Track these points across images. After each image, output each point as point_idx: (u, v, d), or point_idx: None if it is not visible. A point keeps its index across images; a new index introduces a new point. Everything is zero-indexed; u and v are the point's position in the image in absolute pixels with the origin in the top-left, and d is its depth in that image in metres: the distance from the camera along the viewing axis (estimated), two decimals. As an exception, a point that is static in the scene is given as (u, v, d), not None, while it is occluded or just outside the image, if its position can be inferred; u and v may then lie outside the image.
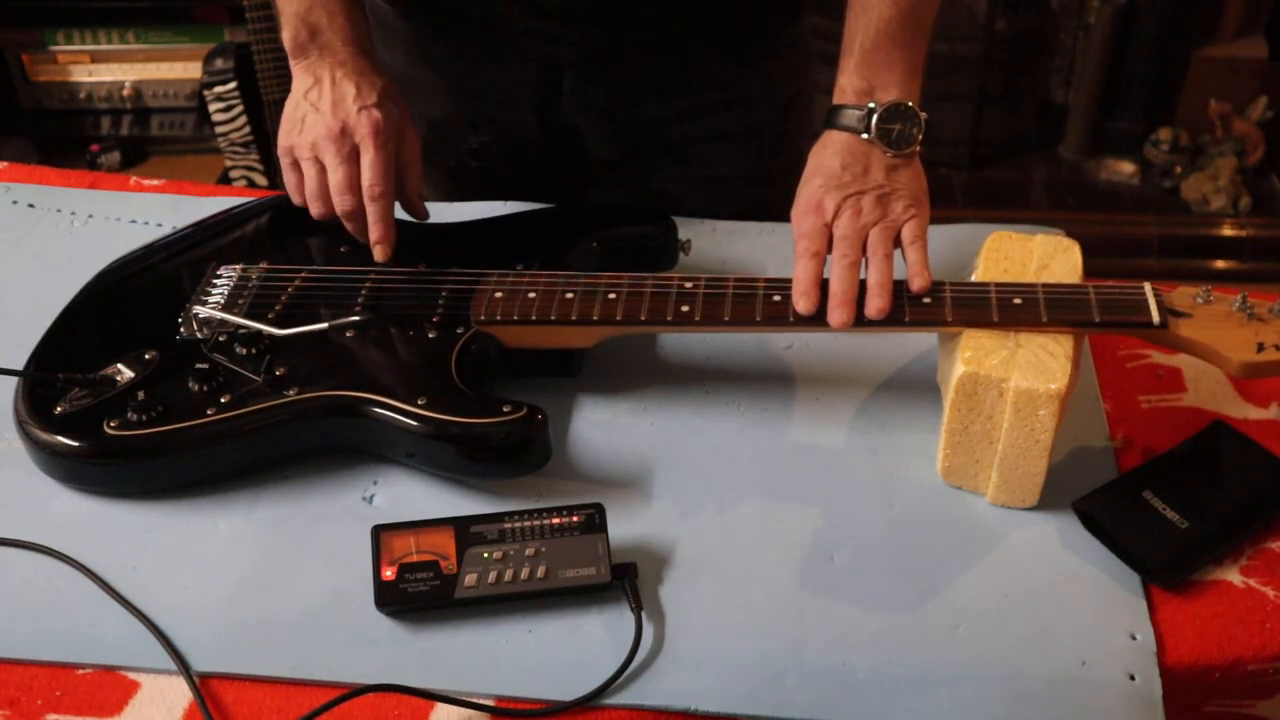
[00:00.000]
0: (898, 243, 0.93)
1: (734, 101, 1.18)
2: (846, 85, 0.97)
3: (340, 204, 0.97)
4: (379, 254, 0.96)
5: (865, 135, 0.95)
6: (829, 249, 0.92)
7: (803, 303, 0.89)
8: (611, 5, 1.10)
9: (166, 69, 2.72)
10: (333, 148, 0.97)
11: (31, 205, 1.21)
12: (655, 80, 1.16)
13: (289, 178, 1.01)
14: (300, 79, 1.02)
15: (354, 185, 0.97)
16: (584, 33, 1.11)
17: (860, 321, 0.88)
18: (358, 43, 1.03)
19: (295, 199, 1.01)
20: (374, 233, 0.96)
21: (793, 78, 1.22)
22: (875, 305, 0.88)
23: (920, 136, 0.96)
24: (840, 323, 0.88)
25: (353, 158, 0.97)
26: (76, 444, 0.88)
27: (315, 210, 0.99)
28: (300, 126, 0.99)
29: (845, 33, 0.98)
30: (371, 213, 0.96)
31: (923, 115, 0.96)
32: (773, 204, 1.24)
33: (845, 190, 0.94)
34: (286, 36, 1.03)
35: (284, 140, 1.01)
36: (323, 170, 0.98)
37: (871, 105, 0.95)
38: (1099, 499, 0.86)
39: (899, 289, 0.90)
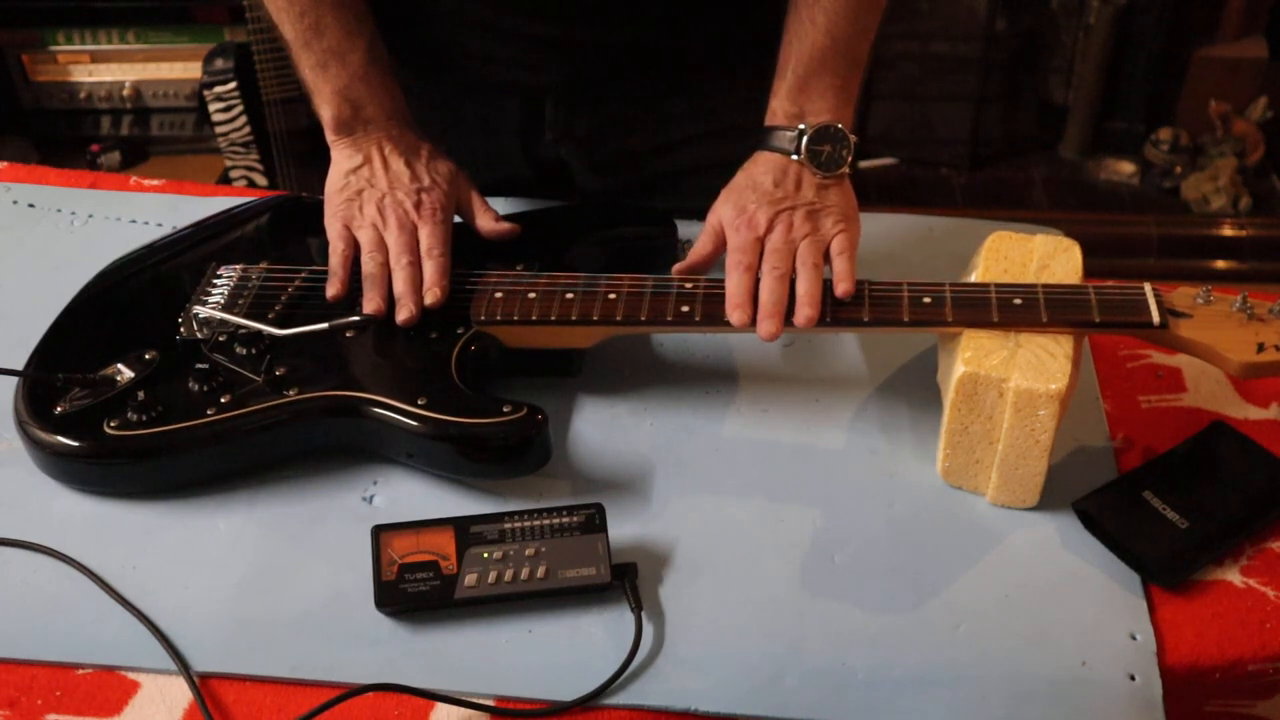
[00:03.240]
0: (827, 257, 0.94)
1: (722, 131, 1.15)
2: (778, 109, 0.99)
3: (397, 259, 0.95)
4: (429, 298, 0.94)
5: (795, 156, 0.96)
6: (760, 262, 0.93)
7: (737, 315, 0.90)
8: (592, 32, 1.08)
9: (166, 69, 2.72)
10: (395, 220, 0.97)
11: (31, 205, 1.21)
12: (640, 109, 1.15)
13: (339, 248, 0.98)
14: (345, 155, 1.02)
15: (412, 248, 0.96)
16: (564, 60, 1.10)
17: (824, 322, 0.89)
18: (398, 114, 1.03)
19: (340, 271, 0.97)
20: (429, 280, 0.95)
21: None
22: (804, 314, 0.89)
23: (850, 158, 0.97)
24: (769, 334, 0.89)
25: (414, 230, 0.98)
26: (76, 444, 0.88)
27: (371, 264, 0.96)
28: (358, 200, 0.99)
29: (780, 58, 0.99)
30: (428, 267, 0.95)
31: (852, 138, 0.97)
32: None
33: (777, 206, 0.95)
34: (327, 115, 1.02)
35: (340, 212, 0.99)
36: (381, 239, 0.97)
37: (802, 127, 0.97)
38: (1099, 499, 0.86)
39: (897, 288, 0.90)
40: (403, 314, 0.93)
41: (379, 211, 0.98)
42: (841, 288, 0.90)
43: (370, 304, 0.94)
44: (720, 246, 0.96)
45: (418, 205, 0.98)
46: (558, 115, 1.14)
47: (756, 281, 0.91)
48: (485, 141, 1.18)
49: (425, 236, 0.97)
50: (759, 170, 0.98)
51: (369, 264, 0.96)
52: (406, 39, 1.11)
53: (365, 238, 0.98)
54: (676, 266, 0.96)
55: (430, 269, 0.95)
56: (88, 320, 0.99)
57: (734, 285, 0.91)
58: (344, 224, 0.99)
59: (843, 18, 0.96)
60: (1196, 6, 2.72)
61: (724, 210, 0.97)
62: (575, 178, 1.21)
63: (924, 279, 0.91)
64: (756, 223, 0.94)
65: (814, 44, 0.97)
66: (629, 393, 0.98)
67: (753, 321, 0.89)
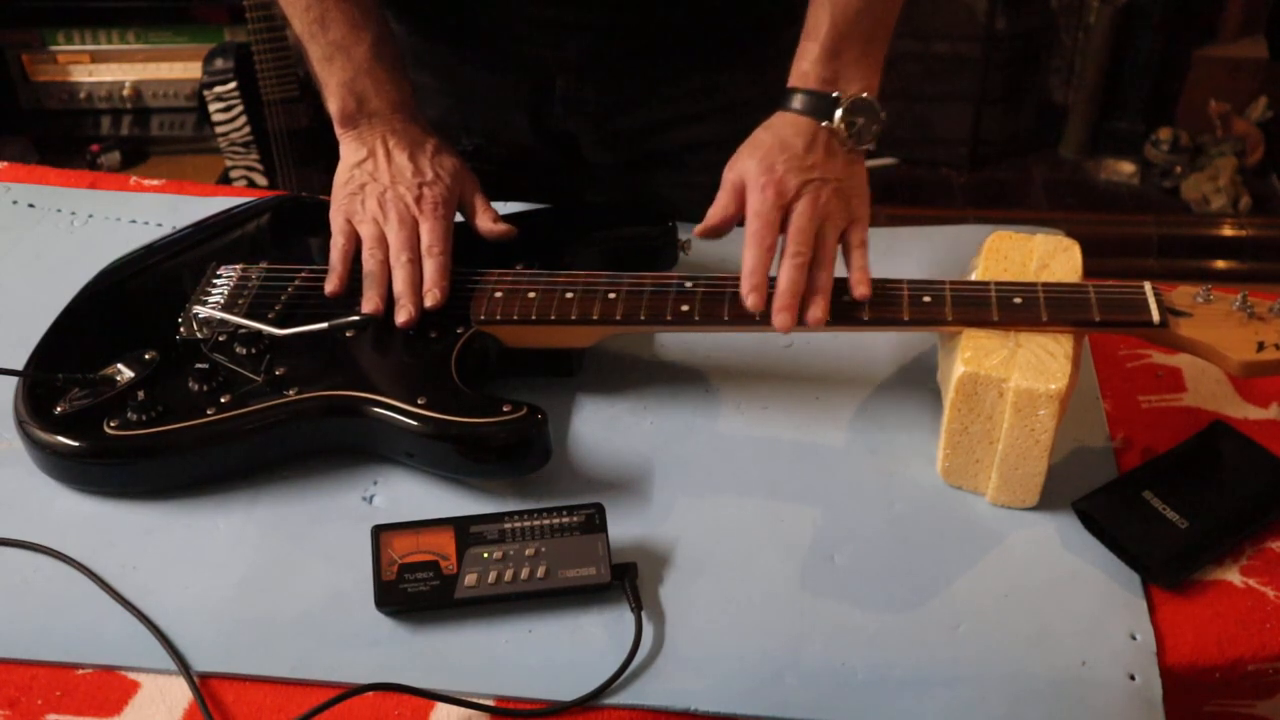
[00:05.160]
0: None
1: (729, 107, 1.18)
2: (810, 71, 0.96)
3: (397, 257, 0.95)
4: (429, 300, 0.94)
5: (826, 122, 0.94)
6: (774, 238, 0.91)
7: (752, 298, 0.88)
8: (603, 13, 1.09)
9: (166, 69, 2.73)
10: (395, 215, 0.97)
11: (31, 205, 1.21)
12: (648, 86, 1.16)
13: (340, 242, 0.98)
14: (351, 149, 1.02)
15: (412, 244, 0.96)
16: (576, 38, 1.11)
17: (844, 321, 0.88)
18: (405, 108, 1.03)
19: (339, 267, 0.97)
20: (429, 281, 0.95)
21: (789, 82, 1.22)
22: (814, 315, 0.88)
23: (878, 133, 0.95)
24: (783, 325, 0.87)
25: (415, 225, 0.97)
26: (76, 444, 0.88)
27: (371, 261, 0.95)
28: (361, 194, 0.99)
29: (809, 20, 0.97)
30: (429, 266, 0.95)
31: (883, 114, 0.95)
32: None
33: (808, 174, 0.92)
34: (334, 107, 1.02)
35: (344, 206, 0.99)
36: (382, 234, 0.97)
37: (836, 95, 0.94)
38: (1099, 499, 0.86)
39: (898, 287, 0.90)
40: (401, 315, 0.93)
41: (380, 206, 0.98)
42: (860, 291, 0.89)
43: (369, 303, 0.94)
44: (742, 205, 0.93)
45: (419, 199, 0.98)
46: (568, 91, 1.16)
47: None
48: (495, 112, 1.20)
49: (426, 233, 0.97)
50: (788, 131, 0.94)
51: (369, 261, 0.96)
52: (423, 13, 1.13)
53: (366, 232, 0.98)
54: (696, 229, 0.93)
55: (430, 268, 0.95)
56: (88, 320, 0.99)
57: (752, 261, 0.89)
58: (346, 218, 0.99)
59: None
60: (1196, 6, 2.72)
61: (747, 166, 0.93)
62: (582, 149, 1.23)
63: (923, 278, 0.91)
64: (786, 188, 0.91)
65: (849, 5, 0.94)
66: (629, 392, 0.98)
67: (765, 309, 0.88)
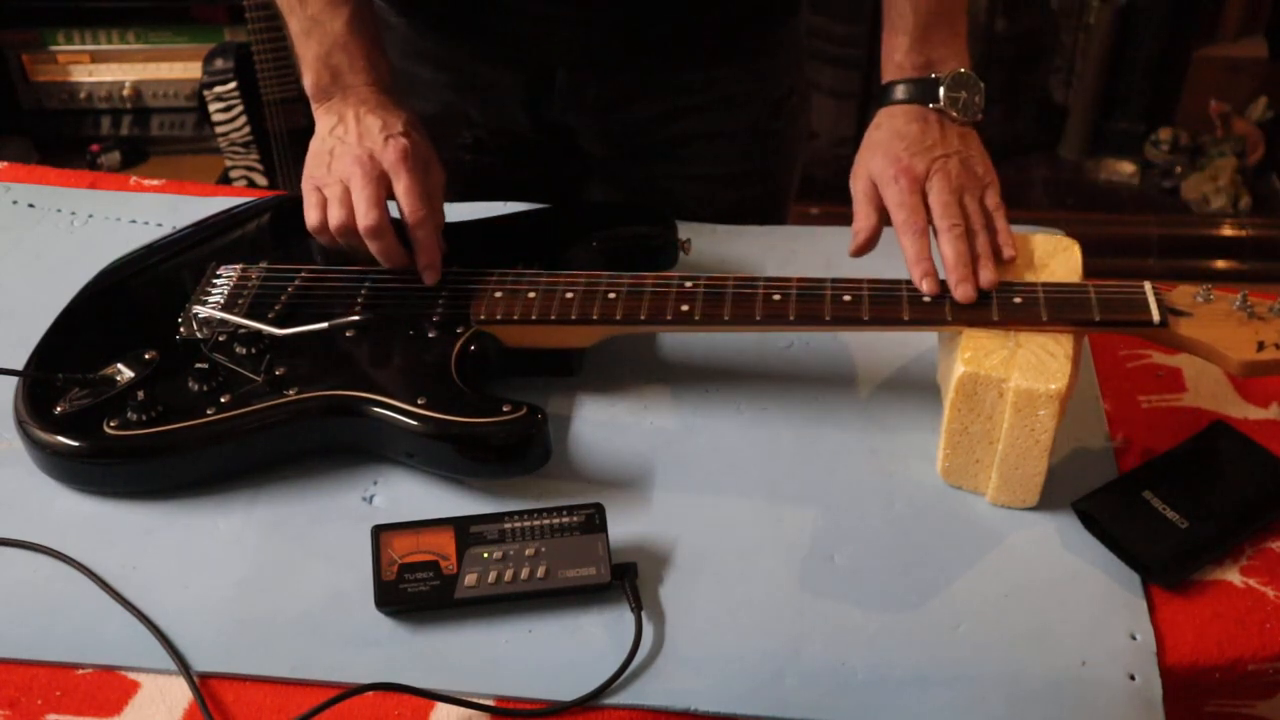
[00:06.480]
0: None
1: (726, 100, 1.19)
2: (905, 62, 0.98)
3: (365, 219, 0.93)
4: (428, 278, 0.94)
5: (933, 104, 0.96)
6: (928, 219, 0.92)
7: (927, 283, 0.89)
8: (603, 6, 1.10)
9: (166, 69, 2.72)
10: (360, 170, 0.94)
11: (31, 205, 1.21)
12: (647, 80, 1.17)
13: (311, 209, 0.96)
14: (324, 120, 1.01)
15: (379, 201, 0.94)
16: (576, 33, 1.12)
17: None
18: (379, 82, 1.03)
19: (314, 222, 0.96)
20: (422, 259, 0.94)
21: (787, 76, 1.23)
22: (987, 277, 0.88)
23: (981, 103, 0.97)
24: (966, 296, 0.87)
25: (381, 180, 0.94)
26: (76, 444, 0.88)
27: (335, 220, 0.94)
28: (328, 160, 0.98)
29: (891, 14, 0.98)
30: (417, 239, 0.94)
31: (982, 84, 0.97)
32: (764, 200, 1.25)
33: (931, 153, 0.94)
34: (308, 81, 1.02)
35: (311, 173, 0.98)
36: (348, 191, 0.95)
37: (935, 75, 0.96)
38: (1099, 499, 0.86)
39: (897, 287, 0.90)
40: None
41: (345, 167, 0.95)
42: (1007, 252, 0.90)
43: (336, 225, 0.93)
44: (881, 209, 0.93)
45: (384, 150, 0.95)
46: (567, 84, 1.16)
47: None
48: (495, 106, 1.21)
49: (401, 192, 0.94)
50: (899, 122, 0.96)
51: (335, 217, 0.93)
52: (424, 7, 1.14)
53: (332, 195, 0.95)
54: (850, 250, 0.93)
55: (419, 239, 0.94)
56: (88, 320, 0.99)
57: (914, 249, 0.89)
58: (316, 187, 0.97)
59: None
60: (1196, 6, 2.72)
61: (872, 164, 0.95)
62: (579, 141, 1.23)
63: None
64: (916, 171, 0.92)
65: None
66: (629, 393, 0.98)
67: (939, 287, 0.88)
